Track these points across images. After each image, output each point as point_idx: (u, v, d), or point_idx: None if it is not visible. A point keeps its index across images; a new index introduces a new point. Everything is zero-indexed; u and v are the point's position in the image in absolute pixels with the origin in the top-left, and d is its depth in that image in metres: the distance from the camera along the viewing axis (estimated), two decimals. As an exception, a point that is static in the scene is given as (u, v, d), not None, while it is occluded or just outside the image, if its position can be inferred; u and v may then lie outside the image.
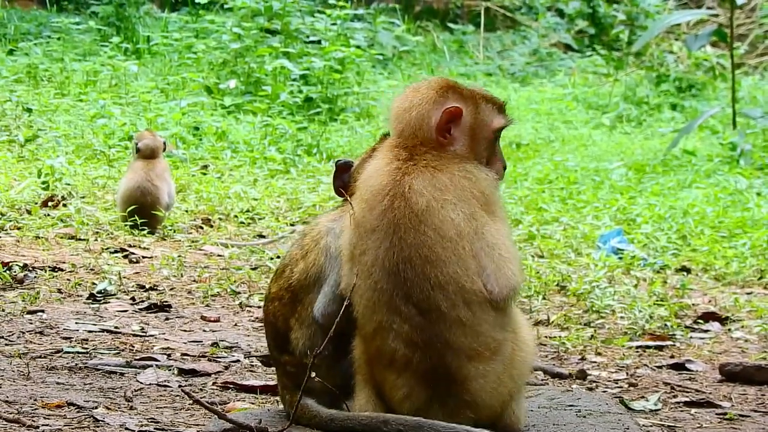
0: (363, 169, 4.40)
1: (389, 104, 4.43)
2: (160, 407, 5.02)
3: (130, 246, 9.02)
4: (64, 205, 10.01)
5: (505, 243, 4.17)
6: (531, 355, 4.31)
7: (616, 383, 6.09)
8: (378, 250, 4.16)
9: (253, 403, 5.16)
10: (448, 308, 4.11)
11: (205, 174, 12.10)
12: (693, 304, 8.21)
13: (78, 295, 7.37)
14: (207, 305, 7.43)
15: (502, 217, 4.24)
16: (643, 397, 5.73)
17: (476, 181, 4.21)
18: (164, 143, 10.12)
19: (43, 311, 6.83)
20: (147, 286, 7.75)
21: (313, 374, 4.25)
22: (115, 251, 8.77)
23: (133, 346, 6.18)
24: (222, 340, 6.45)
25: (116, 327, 6.59)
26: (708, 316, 7.85)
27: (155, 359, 5.88)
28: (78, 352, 5.93)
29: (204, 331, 6.74)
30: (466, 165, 4.24)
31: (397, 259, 4.13)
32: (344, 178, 4.58)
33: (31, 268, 7.87)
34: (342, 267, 4.33)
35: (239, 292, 7.74)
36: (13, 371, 5.43)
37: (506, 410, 4.28)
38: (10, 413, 4.66)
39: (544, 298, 8.08)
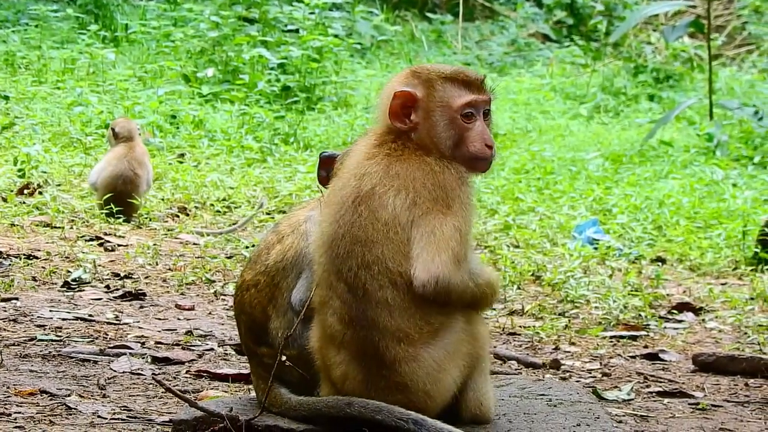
0: (346, 157, 4.43)
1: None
2: (133, 395, 5.02)
3: (105, 234, 9.00)
4: (40, 193, 9.99)
5: (444, 233, 4.09)
6: (481, 348, 4.27)
7: (590, 373, 6.11)
8: (324, 226, 4.23)
9: (226, 392, 5.17)
10: (374, 288, 4.11)
11: (181, 162, 12.08)
12: (667, 295, 8.24)
13: (52, 283, 7.35)
14: (182, 294, 7.42)
15: (458, 211, 4.14)
16: (616, 386, 5.75)
17: (431, 174, 4.18)
18: (138, 130, 10.10)
19: (17, 299, 6.82)
20: (122, 275, 7.74)
21: (284, 358, 4.25)
22: (91, 239, 8.75)
23: (107, 334, 6.18)
24: (196, 329, 6.45)
25: (90, 315, 6.58)
26: (682, 307, 7.87)
27: (129, 347, 5.88)
28: (52, 340, 5.93)
29: (178, 319, 6.74)
30: (426, 158, 4.22)
31: (334, 236, 4.18)
32: (328, 170, 4.57)
33: (5, 256, 7.85)
34: None
35: (214, 281, 7.74)
36: (-15, 359, 5.42)
37: (465, 400, 4.26)
38: (-18, 401, 4.66)
39: (518, 288, 8.10)
